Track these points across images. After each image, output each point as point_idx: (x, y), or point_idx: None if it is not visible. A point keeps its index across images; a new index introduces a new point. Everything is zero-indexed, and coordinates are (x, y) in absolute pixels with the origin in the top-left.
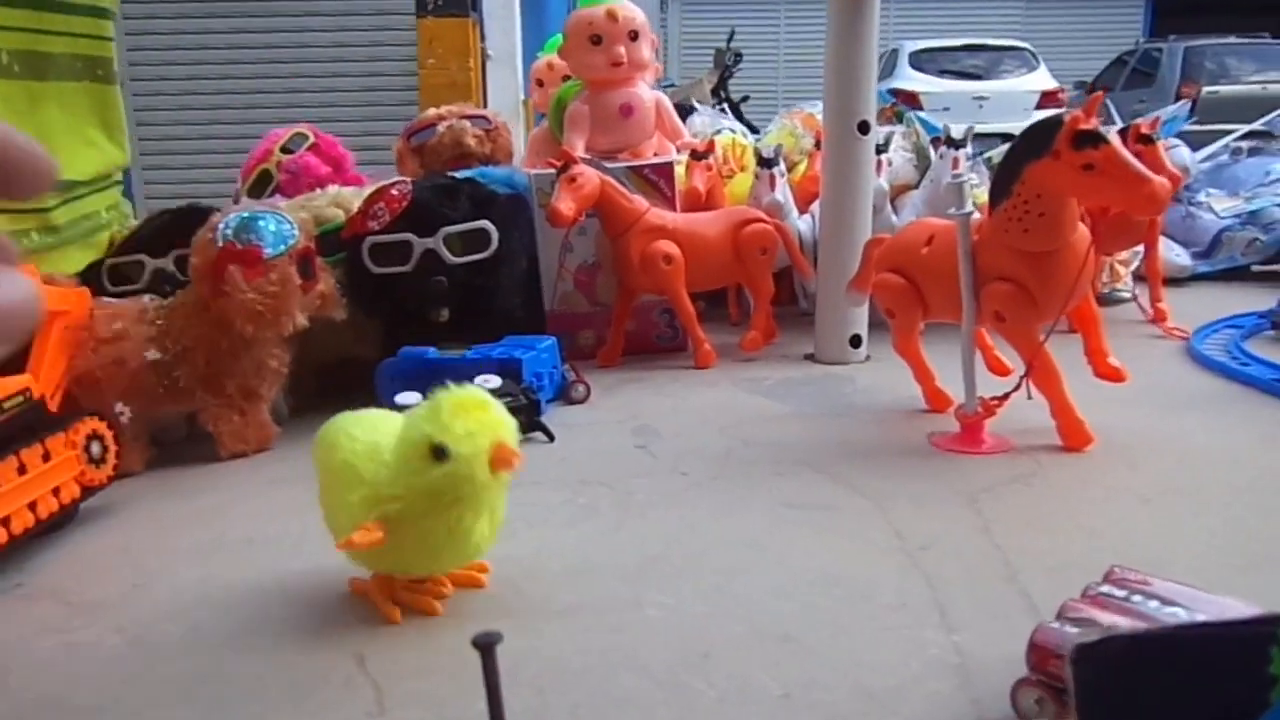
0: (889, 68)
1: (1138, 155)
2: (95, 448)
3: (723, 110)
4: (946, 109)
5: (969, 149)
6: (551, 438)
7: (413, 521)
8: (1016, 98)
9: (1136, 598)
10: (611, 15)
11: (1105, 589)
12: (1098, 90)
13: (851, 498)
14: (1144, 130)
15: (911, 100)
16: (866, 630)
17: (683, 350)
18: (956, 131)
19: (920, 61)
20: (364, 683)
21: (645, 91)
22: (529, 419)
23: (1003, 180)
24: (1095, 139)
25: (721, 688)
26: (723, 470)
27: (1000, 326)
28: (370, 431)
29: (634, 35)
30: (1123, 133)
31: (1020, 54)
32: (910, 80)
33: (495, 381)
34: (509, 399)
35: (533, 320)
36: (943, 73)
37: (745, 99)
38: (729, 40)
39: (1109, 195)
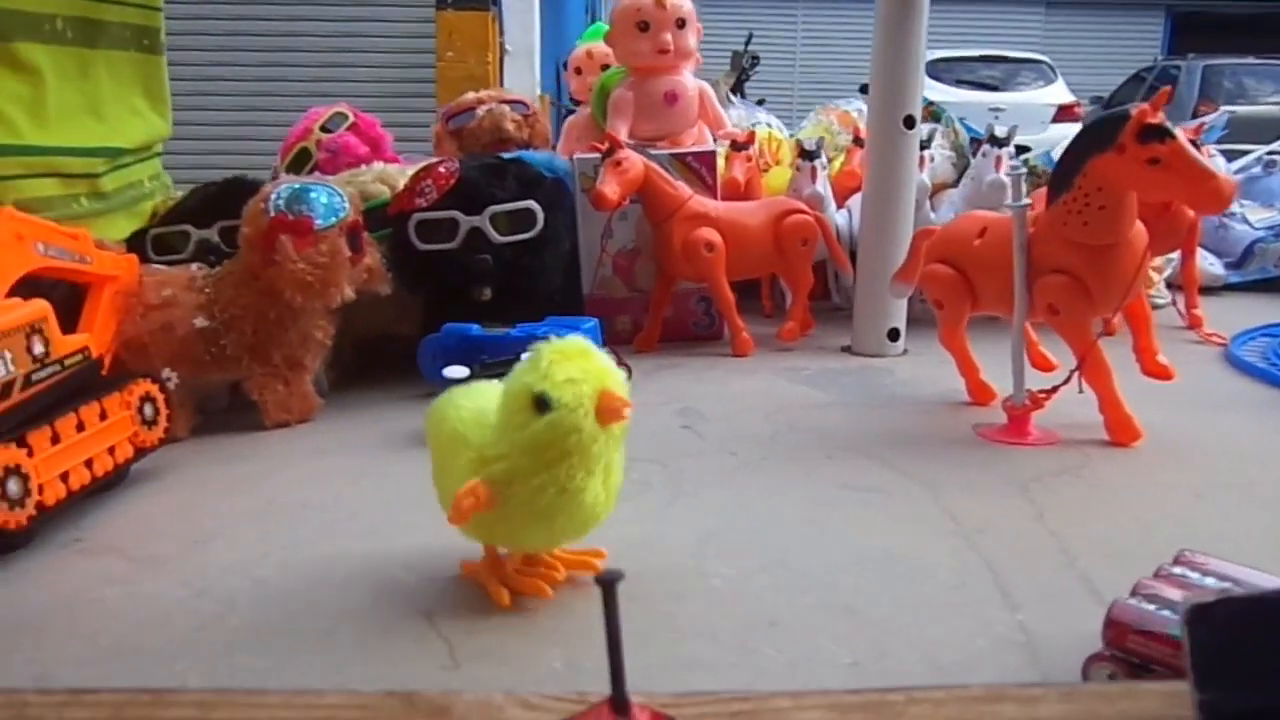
0: None
1: None
2: (148, 409)
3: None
4: (962, 119)
5: (1011, 148)
6: None
7: (522, 481)
8: (1033, 110)
9: (1210, 579)
10: (660, 2)
11: (1178, 570)
12: (1113, 105)
13: (904, 482)
14: (1189, 136)
15: (927, 110)
16: (930, 606)
17: (718, 339)
18: (1000, 130)
19: (937, 71)
20: (434, 638)
21: (689, 80)
22: None
23: (1064, 173)
24: (1162, 133)
25: (791, 654)
26: (771, 452)
27: (1053, 320)
28: (477, 399)
29: (681, 23)
30: None
31: (1038, 66)
32: (927, 89)
33: None
34: None
35: (571, 303)
36: (959, 83)
37: (761, 101)
38: (746, 43)
39: (1174, 190)
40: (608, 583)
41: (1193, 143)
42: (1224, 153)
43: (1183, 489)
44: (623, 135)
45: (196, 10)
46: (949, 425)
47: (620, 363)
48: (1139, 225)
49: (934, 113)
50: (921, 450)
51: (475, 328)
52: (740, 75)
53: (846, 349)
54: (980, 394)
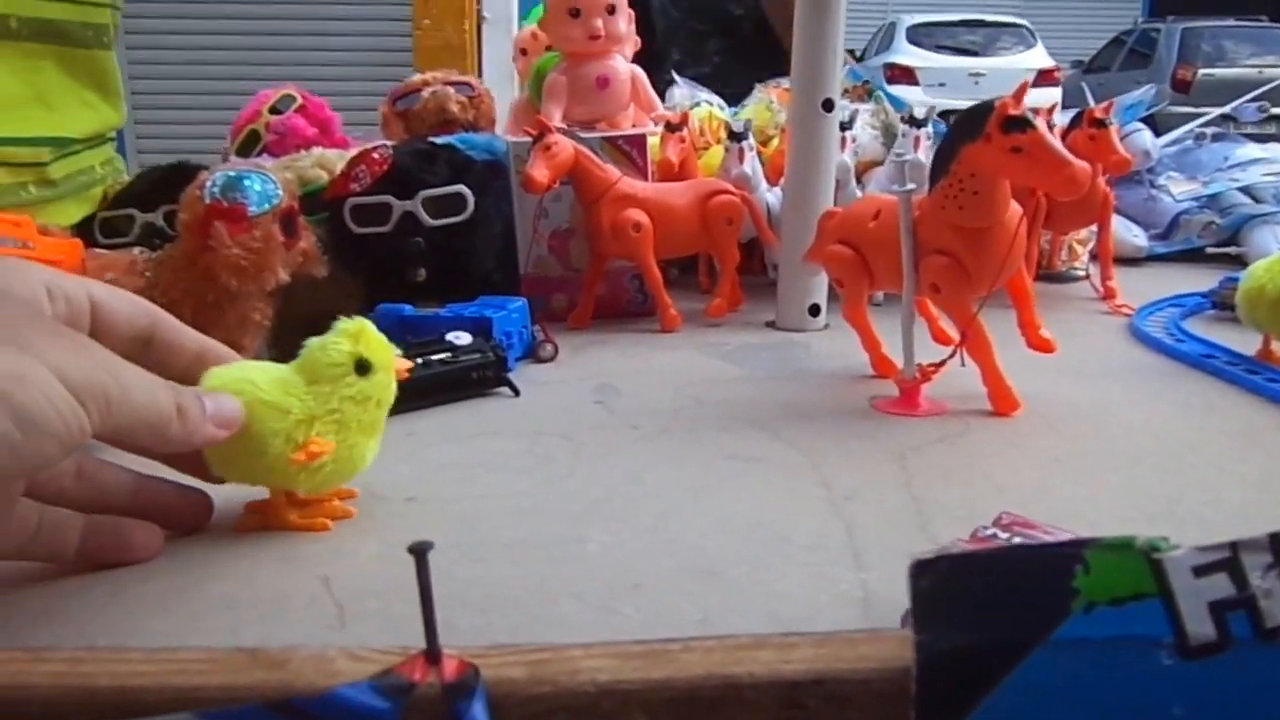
0: (886, 41)
1: (1091, 139)
2: None
3: None
4: (942, 84)
5: (929, 129)
6: (517, 392)
7: (350, 428)
8: (1013, 75)
9: (1017, 539)
10: None
11: (990, 531)
12: (1094, 69)
13: (788, 452)
14: (1097, 115)
15: (908, 75)
16: (784, 567)
17: (652, 315)
18: (919, 111)
19: (917, 36)
20: (328, 602)
21: (621, 64)
22: (496, 374)
23: (941, 160)
24: (1023, 124)
25: (646, 613)
26: (672, 425)
27: (936, 297)
28: (268, 373)
29: (611, 9)
30: (1079, 116)
31: (1018, 31)
32: (907, 55)
33: (466, 338)
34: (478, 355)
35: (508, 283)
36: (940, 48)
37: None
38: None
39: (1034, 177)
40: (420, 552)
41: (1102, 121)
42: (1193, 116)
43: (1046, 455)
44: (556, 119)
45: None
46: (847, 398)
47: (547, 339)
48: (1014, 207)
49: (869, 90)
50: (813, 422)
51: (408, 308)
52: None
53: (771, 324)
54: (883, 368)
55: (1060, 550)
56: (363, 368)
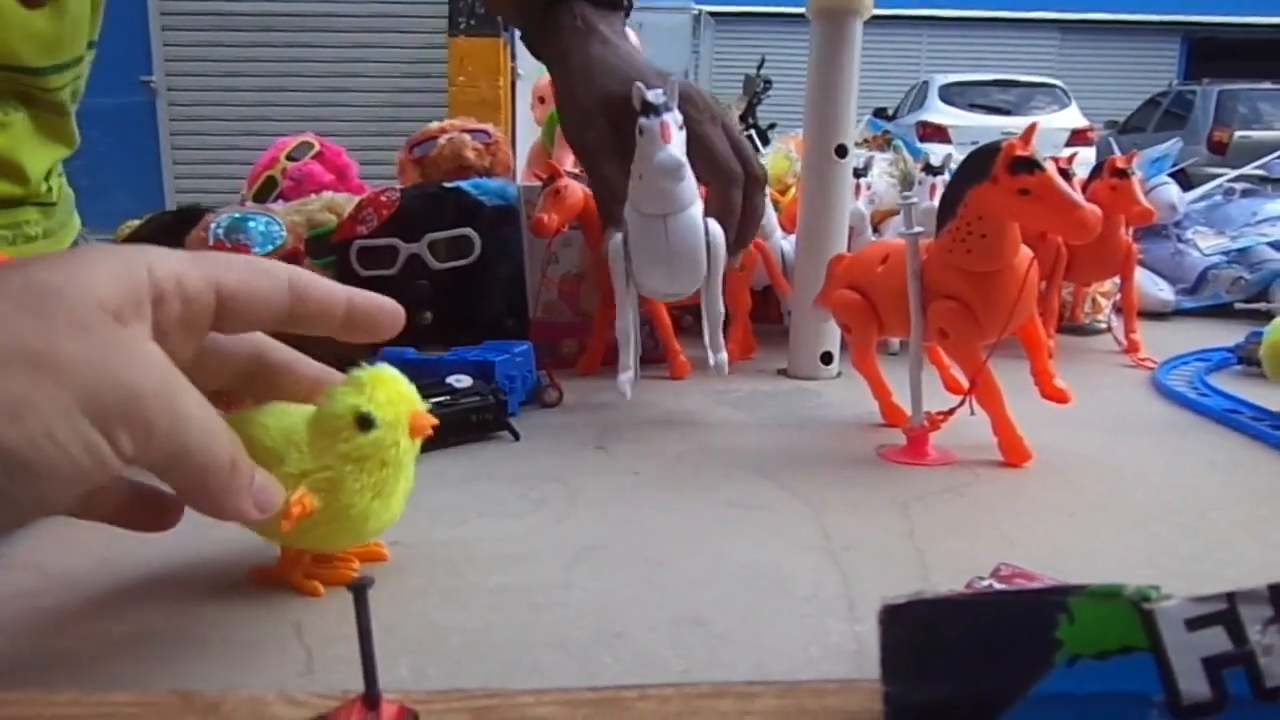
0: (919, 100)
1: (1112, 189)
2: None
3: (748, 136)
4: (975, 143)
5: (946, 176)
6: (517, 436)
7: (345, 488)
8: (1046, 135)
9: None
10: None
11: (987, 582)
12: (1129, 129)
13: (791, 501)
14: (1119, 165)
15: (940, 133)
16: (776, 619)
17: (662, 362)
18: (936, 159)
19: (950, 95)
20: (298, 647)
21: None
22: (496, 418)
23: (948, 203)
24: (1031, 165)
25: (626, 662)
26: (673, 471)
27: (944, 343)
28: (281, 419)
29: None
30: (1100, 166)
31: (1052, 91)
32: (939, 113)
33: (467, 381)
34: (478, 398)
35: (518, 328)
36: (973, 107)
37: (773, 126)
38: (759, 67)
39: (1043, 220)
40: (359, 589)
41: (1124, 171)
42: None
43: (1058, 509)
44: (567, 164)
45: (216, 38)
46: (856, 446)
47: (552, 384)
48: (1024, 251)
49: (888, 140)
50: (819, 470)
51: (411, 351)
52: (752, 99)
53: (783, 372)
54: (893, 416)
55: (1042, 598)
56: (365, 423)
